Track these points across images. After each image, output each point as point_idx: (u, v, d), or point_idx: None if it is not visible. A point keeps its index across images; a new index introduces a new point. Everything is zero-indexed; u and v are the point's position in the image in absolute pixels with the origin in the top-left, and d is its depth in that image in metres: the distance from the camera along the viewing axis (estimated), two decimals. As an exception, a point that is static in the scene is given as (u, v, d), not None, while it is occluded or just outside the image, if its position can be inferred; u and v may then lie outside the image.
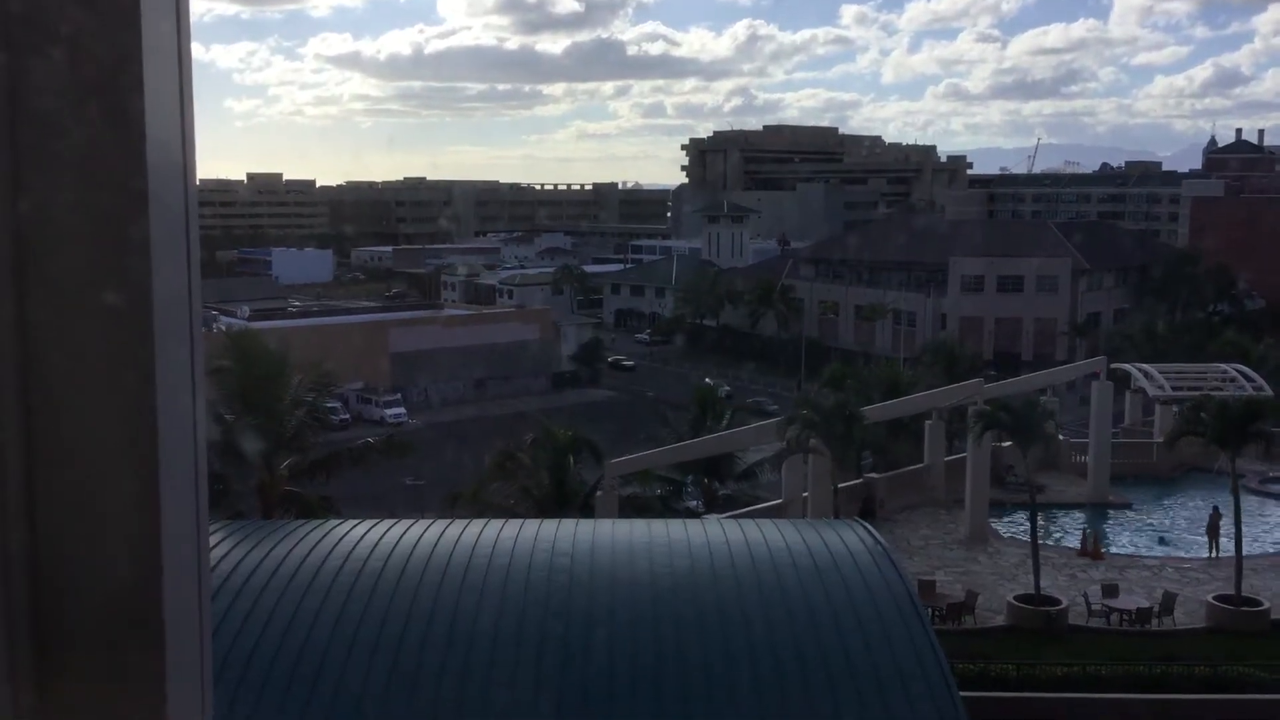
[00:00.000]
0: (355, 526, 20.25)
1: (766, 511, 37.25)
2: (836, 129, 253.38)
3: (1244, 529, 34.21)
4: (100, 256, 1.28)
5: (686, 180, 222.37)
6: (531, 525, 20.70)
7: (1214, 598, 33.23)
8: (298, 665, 15.64)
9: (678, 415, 49.05)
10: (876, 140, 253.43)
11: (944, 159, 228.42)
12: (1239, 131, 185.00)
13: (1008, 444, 41.12)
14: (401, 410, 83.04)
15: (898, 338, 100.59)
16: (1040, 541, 35.43)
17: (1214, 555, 38.74)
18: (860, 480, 43.50)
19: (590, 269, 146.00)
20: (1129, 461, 49.15)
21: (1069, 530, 43.10)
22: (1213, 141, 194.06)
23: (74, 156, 1.27)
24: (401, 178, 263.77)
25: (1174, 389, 49.02)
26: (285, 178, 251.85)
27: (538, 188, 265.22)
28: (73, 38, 1.26)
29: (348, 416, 75.89)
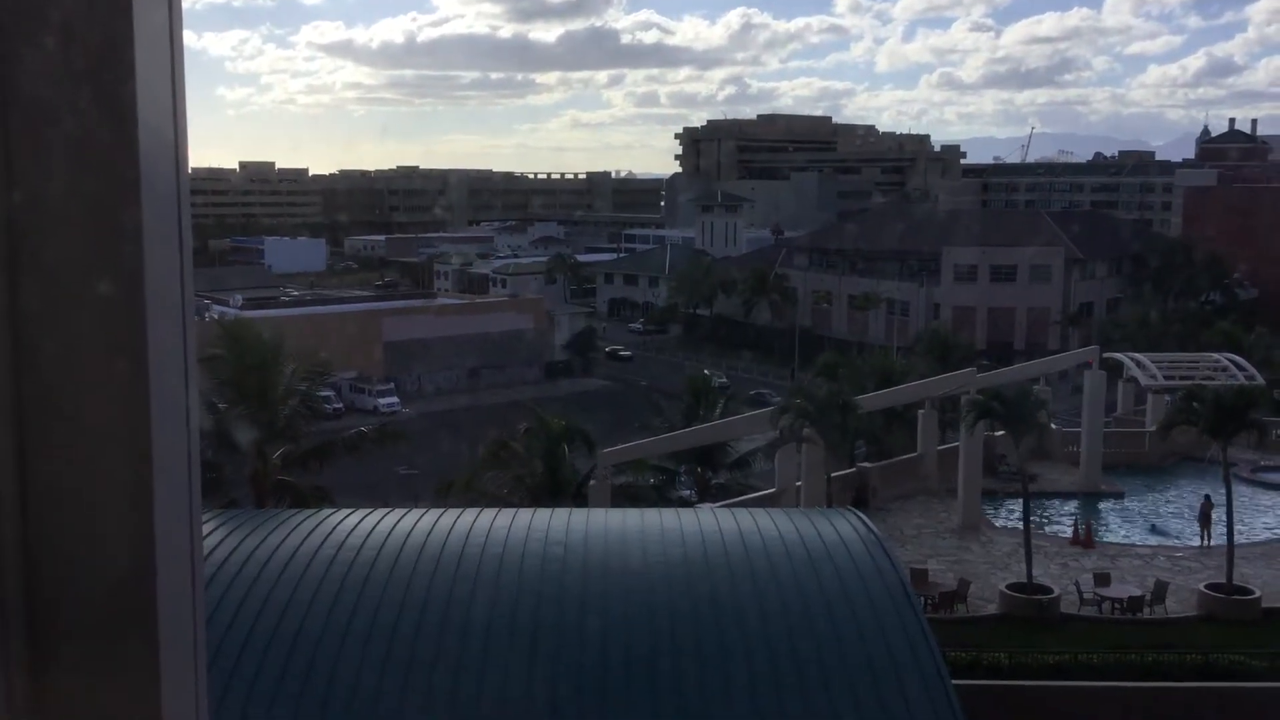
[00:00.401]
0: (349, 516, 20.24)
1: (760, 500, 37.30)
2: (830, 118, 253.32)
3: (1235, 517, 34.31)
4: (93, 244, 1.27)
5: (680, 169, 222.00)
6: (525, 514, 20.70)
7: (1205, 586, 33.33)
8: (291, 655, 15.65)
9: (671, 404, 49.06)
10: (870, 129, 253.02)
11: (938, 148, 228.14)
12: (1232, 121, 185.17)
13: (1000, 433, 41.18)
14: (395, 399, 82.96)
15: (891, 327, 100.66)
16: (1033, 530, 35.52)
17: (1205, 544, 38.86)
18: (853, 469, 43.53)
19: (584, 258, 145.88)
20: (1121, 451, 49.25)
21: (1061, 519, 43.21)
22: (1206, 131, 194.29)
23: (66, 144, 1.26)
24: (394, 166, 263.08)
25: (1166, 378, 49.16)
26: (278, 166, 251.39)
27: (531, 177, 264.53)
28: (64, 24, 1.25)
29: (341, 406, 75.94)
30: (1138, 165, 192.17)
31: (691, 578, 17.63)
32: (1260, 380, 45.77)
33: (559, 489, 36.04)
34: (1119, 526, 42.98)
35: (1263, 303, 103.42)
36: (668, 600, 17.07)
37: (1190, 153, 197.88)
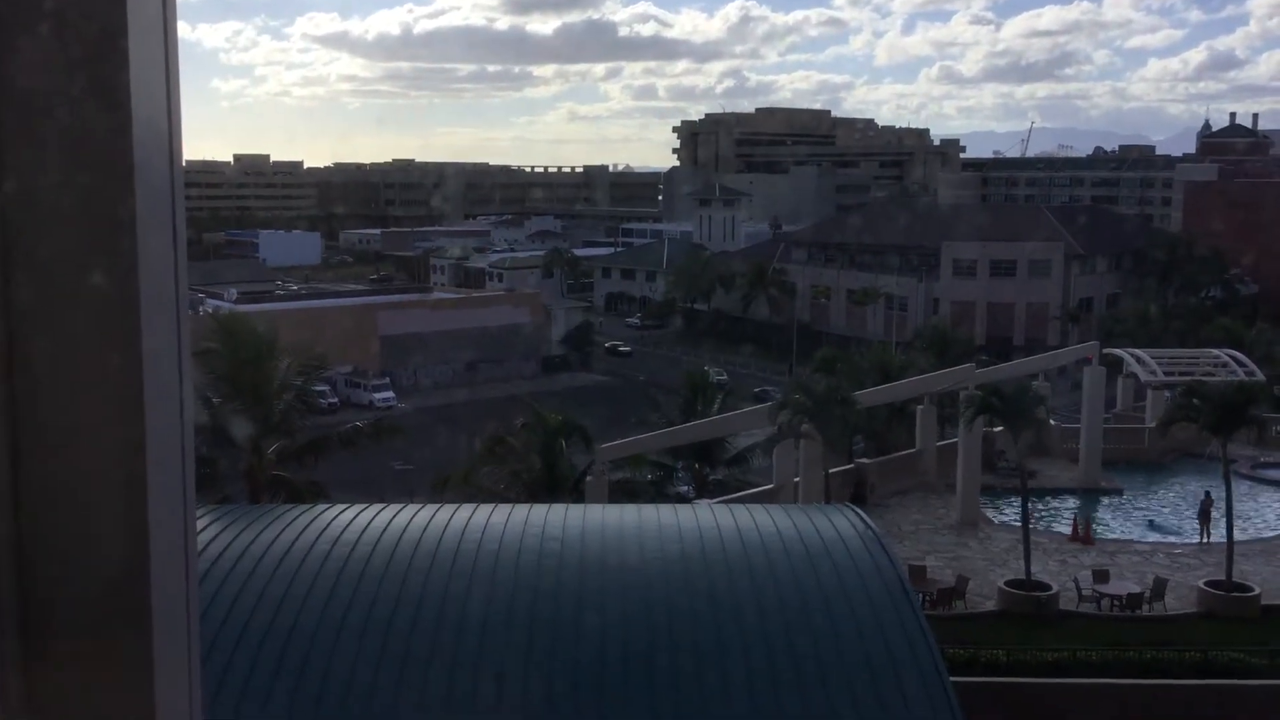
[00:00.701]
0: (343, 511, 20.24)
1: (757, 496, 37.31)
2: (829, 111, 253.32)
3: (1235, 514, 34.35)
4: (86, 236, 1.27)
5: (678, 163, 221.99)
6: (521, 510, 20.71)
7: (1205, 583, 33.38)
8: (286, 650, 15.66)
9: (669, 400, 49.09)
10: (869, 123, 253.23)
11: (937, 142, 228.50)
12: (1233, 116, 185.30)
13: (999, 429, 41.21)
14: (390, 394, 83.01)
15: (890, 322, 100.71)
16: (1031, 527, 35.55)
17: (1205, 540, 38.90)
18: (852, 465, 43.59)
19: (581, 252, 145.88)
20: (1120, 447, 49.30)
21: (1060, 515, 43.25)
22: (1207, 126, 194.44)
23: (60, 135, 1.26)
24: (390, 159, 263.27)
25: (1166, 374, 49.19)
26: (272, 159, 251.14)
27: (528, 170, 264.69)
28: (58, 14, 1.24)
29: (336, 400, 76.08)
30: (1138, 160, 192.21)
31: (689, 574, 17.65)
32: (1260, 376, 45.82)
33: (556, 484, 36.05)
34: (1118, 523, 43.02)
35: (1263, 298, 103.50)
36: (665, 596, 17.08)
37: (1191, 147, 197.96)
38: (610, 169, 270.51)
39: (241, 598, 16.63)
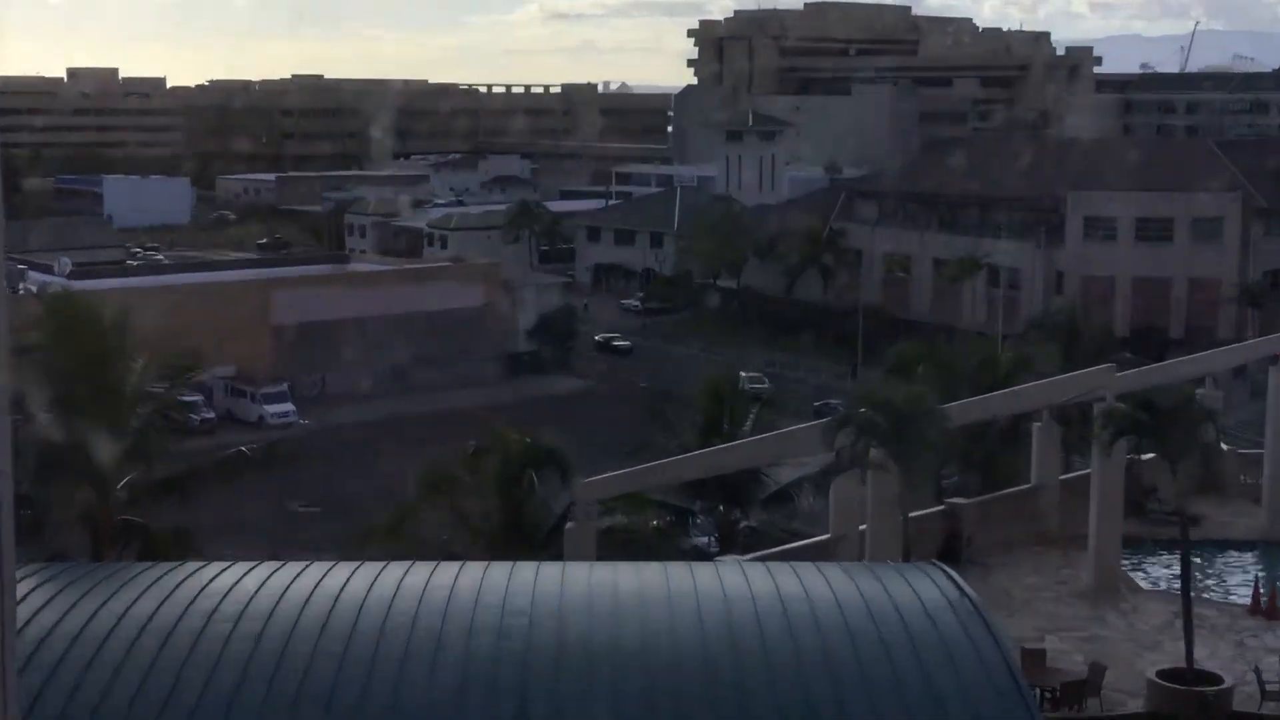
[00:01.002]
0: (223, 572, 20.26)
1: (807, 551, 37.34)
2: (909, 8, 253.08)
3: None
4: None
5: (695, 80, 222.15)
6: (474, 570, 20.73)
7: None
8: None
9: (682, 415, 49.11)
10: (965, 24, 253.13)
11: (1061, 52, 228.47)
12: None
13: (1149, 456, 41.21)
14: (289, 406, 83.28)
15: (994, 306, 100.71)
16: (1195, 594, 35.56)
17: None
18: (941, 507, 43.59)
19: (557, 206, 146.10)
20: (1321, 482, 49.30)
21: (1236, 579, 43.27)
22: None
23: None
24: (288, 75, 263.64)
25: (1386, 379, 49.15)
26: (122, 75, 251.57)
27: (484, 90, 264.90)
28: None
29: (212, 415, 76.63)
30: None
31: (711, 658, 17.67)
32: None
33: (523, 534, 36.13)
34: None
35: None
36: (676, 689, 17.11)
37: None
38: (600, 89, 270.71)
39: (80, 692, 16.65)
